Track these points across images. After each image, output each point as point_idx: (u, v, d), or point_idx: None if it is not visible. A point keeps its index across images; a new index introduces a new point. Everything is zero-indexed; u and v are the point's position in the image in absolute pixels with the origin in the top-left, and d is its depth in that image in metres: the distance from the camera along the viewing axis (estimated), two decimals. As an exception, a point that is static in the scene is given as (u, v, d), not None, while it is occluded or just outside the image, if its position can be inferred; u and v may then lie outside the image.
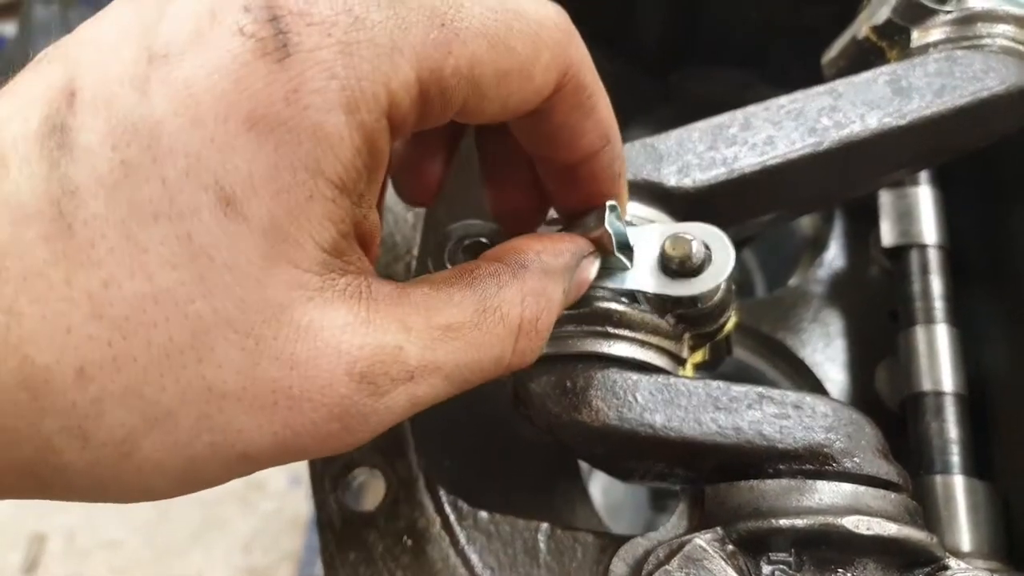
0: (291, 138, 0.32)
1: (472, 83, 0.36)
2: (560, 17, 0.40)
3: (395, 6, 0.34)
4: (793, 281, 0.91)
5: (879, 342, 0.84)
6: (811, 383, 0.86)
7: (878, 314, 0.85)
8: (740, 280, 1.06)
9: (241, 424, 0.34)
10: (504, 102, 0.38)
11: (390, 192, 0.63)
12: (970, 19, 0.62)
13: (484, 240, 0.52)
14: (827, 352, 0.85)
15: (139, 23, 0.33)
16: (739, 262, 1.08)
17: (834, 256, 0.90)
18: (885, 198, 0.83)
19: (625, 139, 1.02)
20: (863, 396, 0.83)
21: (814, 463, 0.48)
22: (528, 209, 0.50)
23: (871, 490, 0.48)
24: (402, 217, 0.62)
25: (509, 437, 0.73)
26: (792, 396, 0.49)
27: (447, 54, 0.35)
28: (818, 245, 0.94)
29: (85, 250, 0.31)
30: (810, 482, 0.48)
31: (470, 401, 0.68)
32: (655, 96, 1.02)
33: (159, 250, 0.31)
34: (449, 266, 0.52)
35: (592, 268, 0.47)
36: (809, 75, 0.75)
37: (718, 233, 0.50)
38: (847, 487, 0.47)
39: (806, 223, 0.98)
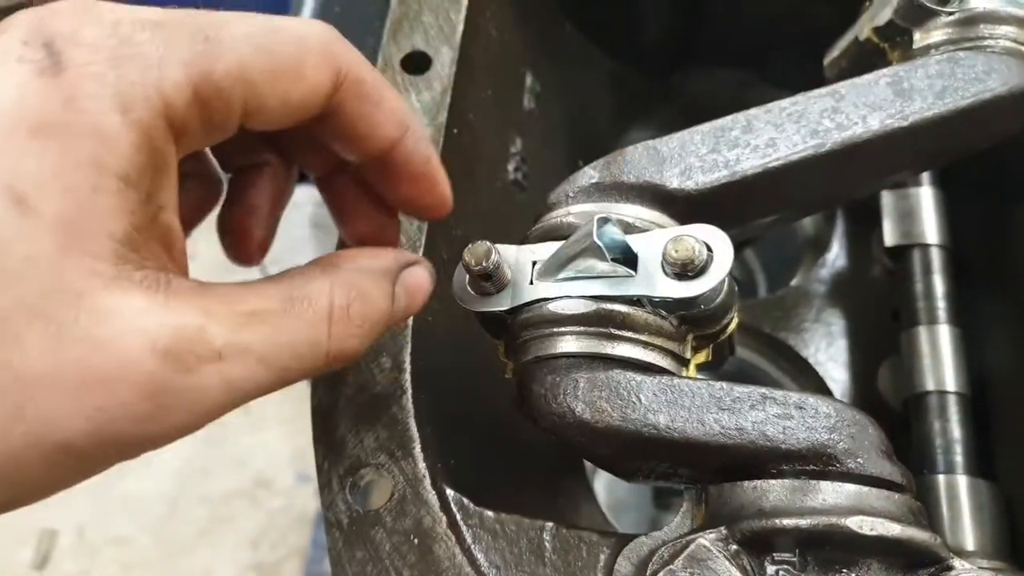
0: (73, 139, 0.35)
1: (245, 82, 0.40)
2: (323, 27, 0.44)
3: (160, 27, 0.38)
4: (795, 281, 0.92)
5: (882, 342, 0.84)
6: (814, 382, 0.86)
7: (880, 314, 0.86)
8: (743, 280, 1.07)
9: (54, 410, 0.34)
10: (284, 100, 0.41)
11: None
12: (972, 20, 0.62)
13: None
14: (829, 352, 0.86)
15: None
16: (742, 262, 1.08)
17: (836, 256, 0.91)
18: (887, 198, 0.83)
19: (627, 139, 1.04)
20: (866, 396, 0.83)
21: (817, 463, 0.48)
22: (378, 232, 0.54)
23: (875, 490, 0.48)
24: (406, 222, 0.62)
25: (513, 436, 0.74)
26: (795, 397, 0.50)
27: (214, 59, 0.39)
28: (820, 245, 0.94)
29: None
30: (813, 482, 0.48)
31: (475, 400, 0.69)
32: (657, 96, 1.03)
33: None
34: None
35: (422, 275, 0.51)
36: (811, 76, 0.75)
37: (719, 233, 0.50)
38: (851, 487, 0.48)
39: (808, 223, 0.99)
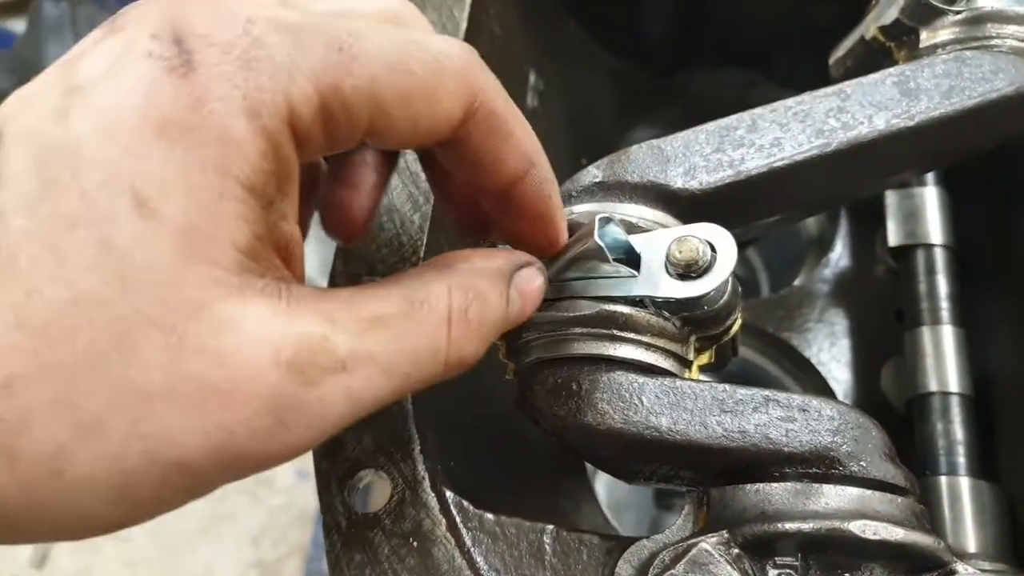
0: (199, 141, 0.34)
1: (374, 101, 0.38)
2: (464, 49, 0.42)
3: (295, 32, 0.36)
4: (798, 281, 0.91)
5: (885, 342, 0.84)
6: (817, 383, 0.86)
7: (884, 314, 0.85)
8: (745, 279, 1.06)
9: (172, 426, 0.33)
10: (413, 125, 0.40)
11: (397, 191, 0.64)
12: (979, 19, 0.62)
13: None
14: (832, 352, 0.85)
15: (61, 70, 0.36)
16: (744, 261, 1.08)
17: (840, 256, 0.90)
18: (891, 198, 0.83)
19: (631, 138, 1.03)
20: (869, 396, 0.83)
21: (820, 467, 0.48)
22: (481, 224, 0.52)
23: (878, 494, 0.48)
24: (408, 218, 0.62)
25: (514, 437, 0.73)
26: (798, 399, 0.49)
27: (346, 73, 0.37)
28: (823, 245, 0.94)
29: (9, 264, 0.32)
30: (816, 486, 0.47)
31: (475, 401, 0.69)
32: (661, 95, 1.02)
33: (79, 256, 0.32)
34: None
35: (536, 279, 0.49)
36: (816, 75, 0.75)
37: (723, 232, 0.50)
38: (853, 491, 0.47)
39: (811, 223, 0.98)
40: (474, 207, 0.52)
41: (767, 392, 0.50)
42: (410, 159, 0.65)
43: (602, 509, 0.84)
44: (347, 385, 0.37)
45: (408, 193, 0.63)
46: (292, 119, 0.36)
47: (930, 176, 0.83)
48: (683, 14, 0.96)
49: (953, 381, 0.74)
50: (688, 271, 0.49)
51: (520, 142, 0.45)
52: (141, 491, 0.34)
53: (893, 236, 0.82)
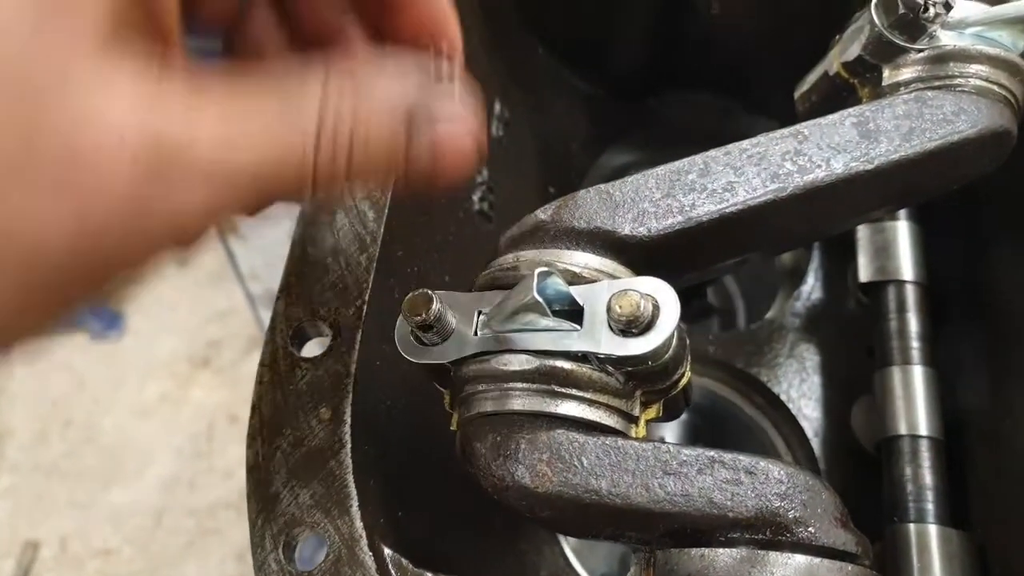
0: None
1: None
2: None
3: None
4: (770, 314, 0.90)
5: (856, 378, 0.82)
6: (787, 420, 0.84)
7: (855, 350, 0.84)
8: (722, 308, 1.04)
9: (28, 206, 0.30)
10: None
11: (344, 231, 0.62)
12: (942, 58, 0.60)
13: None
14: (802, 388, 0.83)
15: None
16: (722, 290, 1.06)
17: (811, 289, 0.88)
18: (862, 232, 0.81)
19: (601, 164, 1.01)
20: (839, 435, 0.81)
21: (767, 532, 0.46)
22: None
23: (827, 562, 0.46)
24: (354, 259, 0.60)
25: (470, 482, 0.71)
26: (745, 460, 0.47)
27: None
28: (797, 276, 0.92)
29: None
30: (762, 553, 0.46)
31: (425, 442, 0.67)
32: (632, 121, 1.01)
33: None
34: None
35: (461, 136, 0.41)
36: (791, 103, 0.73)
37: (664, 287, 0.48)
38: (801, 559, 0.45)
39: (786, 253, 0.96)
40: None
41: (713, 453, 0.48)
42: (358, 197, 0.63)
43: (564, 551, 0.82)
44: (205, 195, 0.34)
45: (355, 233, 0.61)
46: None
47: (902, 211, 0.81)
48: (654, 39, 0.94)
49: (923, 424, 0.72)
50: (629, 327, 0.47)
51: None
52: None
53: (864, 271, 0.80)
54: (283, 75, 0.38)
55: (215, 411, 2.63)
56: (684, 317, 0.97)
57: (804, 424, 0.82)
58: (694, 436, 0.95)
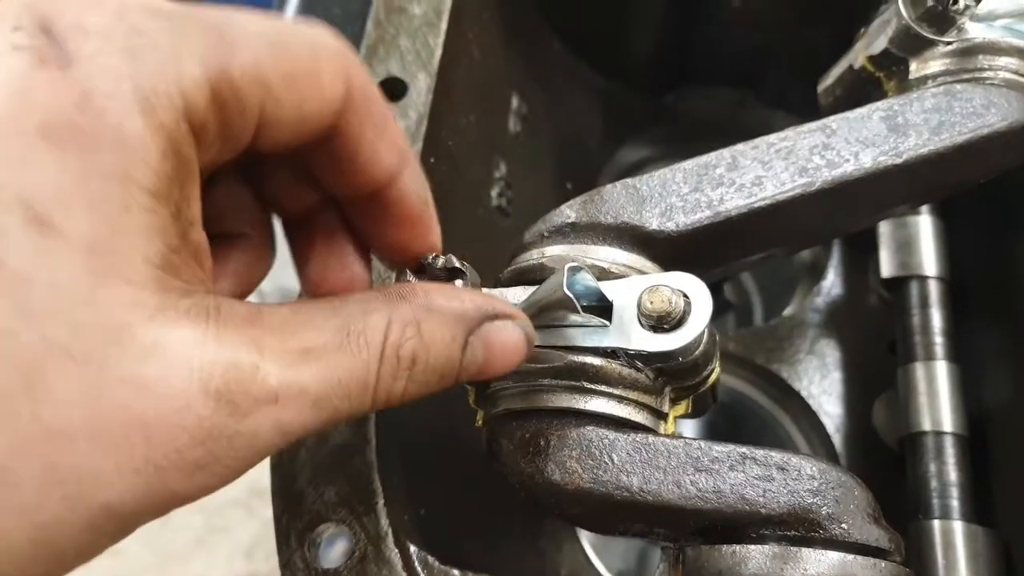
0: (92, 145, 0.30)
1: (261, 83, 0.35)
2: (333, 34, 0.39)
3: (170, 18, 0.33)
4: (789, 310, 0.89)
5: (877, 375, 0.81)
6: (807, 417, 0.83)
7: (877, 346, 0.83)
8: (739, 305, 1.04)
9: (95, 467, 0.30)
10: (300, 109, 0.37)
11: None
12: (971, 51, 0.59)
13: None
14: (823, 385, 0.83)
15: None
16: (738, 286, 1.05)
17: (832, 284, 0.88)
18: (884, 227, 0.81)
19: (618, 159, 1.01)
20: (860, 432, 0.81)
21: (800, 529, 0.46)
22: (349, 283, 0.48)
23: (860, 558, 0.45)
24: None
25: (492, 477, 0.71)
26: (777, 456, 0.47)
27: (231, 55, 0.34)
28: (816, 272, 0.91)
29: None
30: (795, 549, 0.45)
31: (449, 442, 0.66)
32: (649, 115, 1.00)
33: None
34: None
35: (512, 333, 0.44)
36: (807, 96, 0.72)
37: (696, 283, 0.47)
38: (834, 555, 0.45)
39: (805, 249, 0.96)
40: (347, 273, 0.47)
41: (744, 449, 0.47)
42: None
43: (584, 547, 0.81)
44: (277, 418, 0.34)
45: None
46: (188, 112, 0.33)
47: (925, 205, 0.81)
48: (671, 33, 0.94)
49: (947, 420, 0.72)
50: (660, 323, 0.46)
51: (396, 135, 0.42)
52: (63, 543, 0.31)
53: (886, 267, 0.80)
54: (339, 303, 0.39)
55: (224, 408, 2.63)
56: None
57: (825, 420, 0.81)
58: (713, 433, 0.94)
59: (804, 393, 0.83)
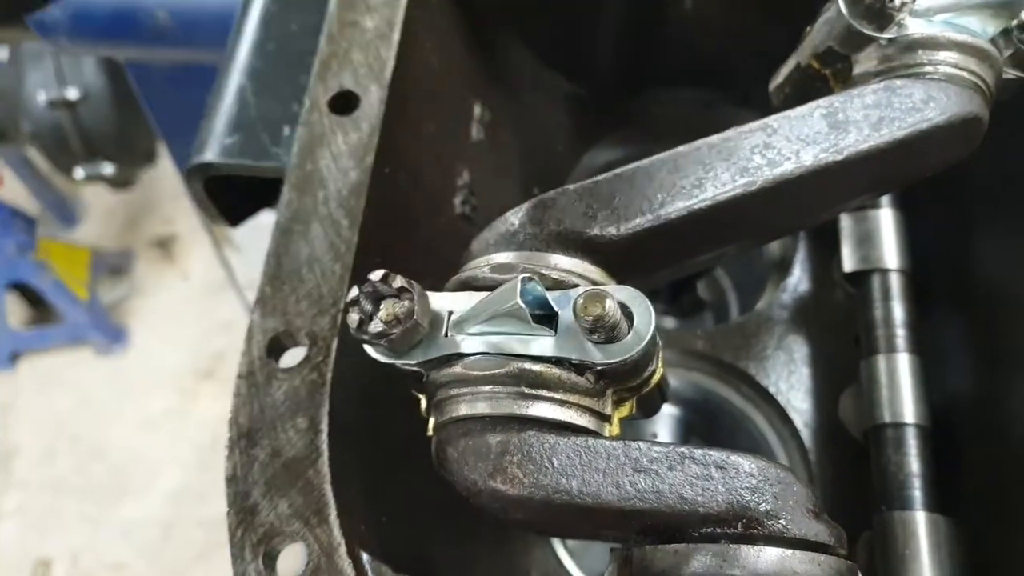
0: None
1: None
2: None
3: None
4: (758, 306, 0.89)
5: (844, 368, 0.82)
6: (777, 412, 0.84)
7: (843, 339, 0.83)
8: (714, 301, 1.04)
9: None
10: None
11: (318, 240, 0.62)
12: (911, 46, 0.59)
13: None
14: (791, 380, 0.83)
15: None
16: (713, 282, 1.06)
17: (798, 280, 0.88)
18: (845, 221, 0.81)
19: (586, 161, 1.01)
20: (829, 425, 0.81)
21: (739, 526, 0.46)
22: None
23: (799, 553, 0.45)
24: (329, 269, 0.60)
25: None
26: (715, 455, 0.47)
27: None
28: (784, 267, 0.91)
29: None
30: (735, 547, 0.45)
31: (411, 450, 0.67)
32: (616, 117, 1.00)
33: None
34: None
35: None
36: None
37: (637, 295, 0.48)
38: (774, 552, 0.45)
39: (774, 244, 0.96)
40: None
41: (684, 448, 0.48)
42: (333, 206, 0.63)
43: (556, 552, 0.81)
44: None
45: (330, 242, 0.61)
46: None
47: (884, 197, 0.81)
48: (634, 37, 0.94)
49: (909, 411, 0.72)
50: (598, 329, 0.47)
51: None
52: None
53: (848, 261, 0.80)
54: None
55: (221, 422, 2.63)
56: (676, 312, 0.97)
57: (794, 416, 0.81)
58: (689, 432, 0.94)
59: (772, 389, 0.83)
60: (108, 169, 2.64)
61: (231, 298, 2.27)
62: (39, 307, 3.02)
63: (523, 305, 0.47)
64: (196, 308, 3.01)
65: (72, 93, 2.44)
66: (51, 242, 2.96)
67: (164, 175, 2.99)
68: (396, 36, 0.69)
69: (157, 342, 2.98)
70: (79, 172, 2.63)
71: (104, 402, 2.85)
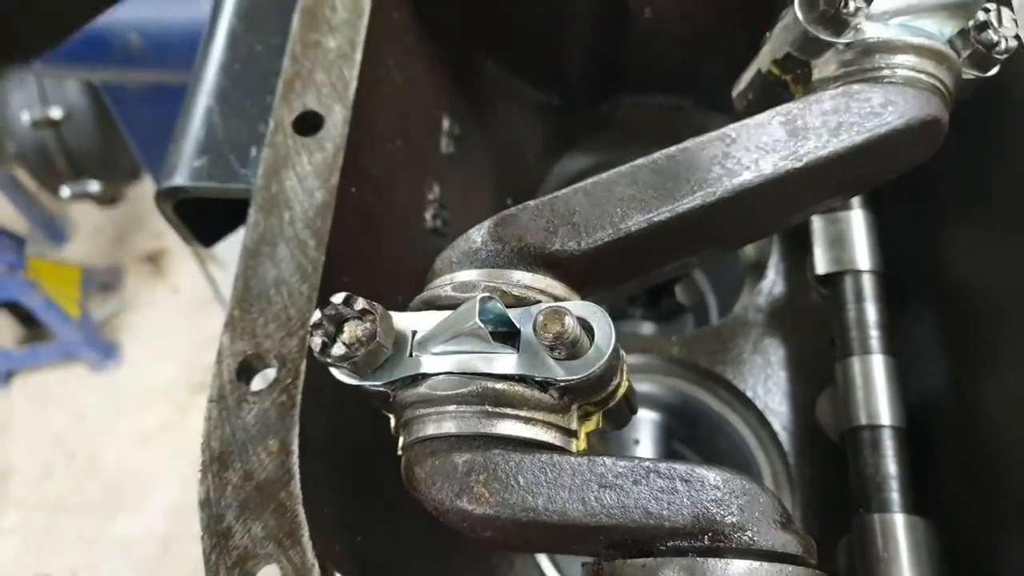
0: None
1: None
2: None
3: None
4: (735, 310, 0.89)
5: (821, 370, 0.82)
6: (756, 416, 0.84)
7: (819, 341, 0.84)
8: (694, 305, 1.04)
9: None
10: None
11: (285, 262, 0.62)
12: (868, 51, 0.60)
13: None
14: (768, 384, 0.83)
15: None
16: (692, 285, 1.06)
17: (773, 283, 0.88)
18: (817, 223, 0.81)
19: (558, 171, 1.01)
20: (806, 428, 0.81)
21: (706, 539, 0.46)
22: None
23: (767, 565, 0.46)
24: (296, 290, 0.60)
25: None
26: (681, 468, 0.48)
27: None
28: (760, 270, 0.92)
29: None
30: (701, 560, 0.46)
31: (386, 468, 0.67)
32: (587, 125, 1.01)
33: None
34: None
35: None
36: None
37: (598, 311, 0.48)
38: (740, 564, 0.45)
39: (749, 247, 0.96)
40: None
41: (649, 463, 0.48)
42: (299, 227, 0.63)
43: (538, 563, 0.82)
44: None
45: (297, 263, 0.62)
46: None
47: (855, 199, 0.81)
48: (601, 46, 0.94)
49: (884, 413, 0.72)
50: (563, 350, 0.47)
51: None
52: None
53: (820, 263, 0.80)
54: None
55: (215, 435, 2.63)
56: (655, 317, 0.97)
57: (772, 419, 0.82)
58: (672, 438, 0.95)
59: (750, 393, 0.83)
60: (94, 186, 2.64)
61: (219, 310, 2.27)
62: (31, 325, 3.02)
63: (482, 325, 0.47)
64: (187, 321, 3.01)
65: (55, 112, 2.44)
66: (40, 261, 2.96)
67: (150, 190, 2.98)
68: (359, 56, 0.70)
69: (149, 357, 2.98)
70: (65, 190, 2.63)
71: (99, 418, 2.85)
